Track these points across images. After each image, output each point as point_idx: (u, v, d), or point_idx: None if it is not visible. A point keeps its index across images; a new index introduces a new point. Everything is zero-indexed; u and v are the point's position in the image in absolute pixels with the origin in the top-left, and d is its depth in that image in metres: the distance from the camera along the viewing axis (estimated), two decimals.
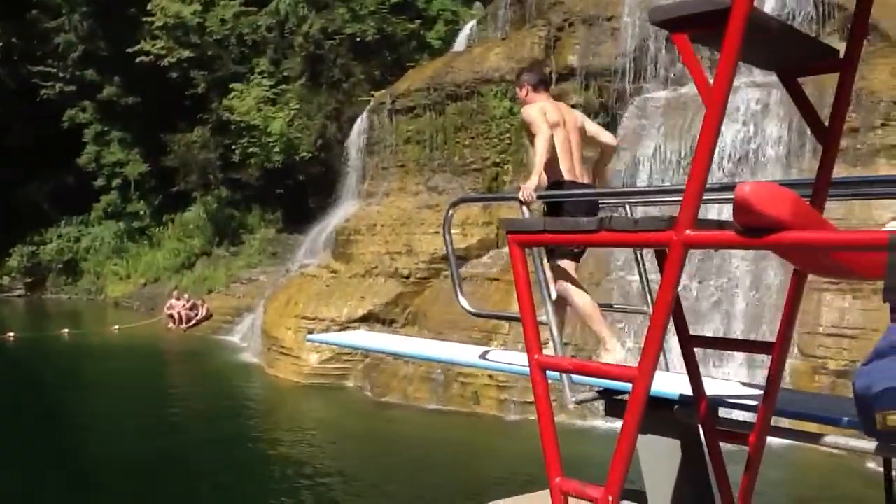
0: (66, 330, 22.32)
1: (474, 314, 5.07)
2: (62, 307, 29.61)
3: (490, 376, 13.01)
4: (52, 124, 31.82)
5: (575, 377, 3.34)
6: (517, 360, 4.18)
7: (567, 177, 4.85)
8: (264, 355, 17.44)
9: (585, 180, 4.96)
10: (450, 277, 5.57)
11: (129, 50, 28.80)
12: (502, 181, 16.34)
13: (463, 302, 4.67)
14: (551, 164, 4.79)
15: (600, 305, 5.02)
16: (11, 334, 21.27)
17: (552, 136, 4.74)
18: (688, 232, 1.99)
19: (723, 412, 3.17)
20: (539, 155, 4.71)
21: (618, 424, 2.23)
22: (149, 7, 28.17)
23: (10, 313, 28.39)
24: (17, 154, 31.43)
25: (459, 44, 21.02)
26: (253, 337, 19.32)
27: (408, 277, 15.86)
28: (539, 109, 4.82)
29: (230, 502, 9.05)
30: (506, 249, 15.27)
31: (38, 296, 31.97)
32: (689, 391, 2.80)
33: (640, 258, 4.44)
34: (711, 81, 1.94)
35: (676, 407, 3.12)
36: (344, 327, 15.07)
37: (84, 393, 16.12)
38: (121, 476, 9.93)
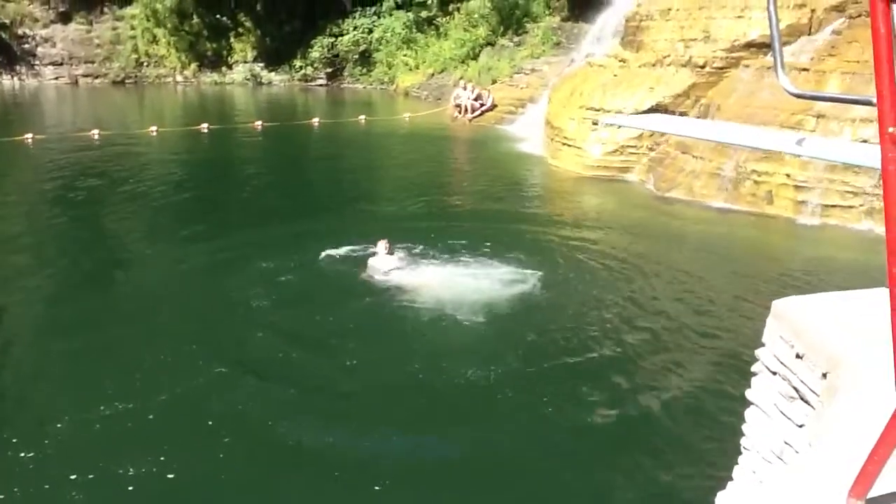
0: (363, 117, 23.88)
1: (797, 95, 4.50)
2: (357, 96, 31.64)
3: (787, 175, 12.18)
4: None
5: None
6: (850, 149, 3.69)
7: None
8: (547, 146, 17.54)
9: None
10: (769, 57, 4.99)
11: None
12: None
13: (784, 81, 4.16)
14: None
15: None
16: (316, 119, 23.23)
17: None
18: None
19: None
20: None
21: None
22: None
23: (314, 100, 30.95)
24: None
25: None
26: (535, 127, 19.44)
27: (703, 67, 14.77)
28: None
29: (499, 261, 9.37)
30: (819, 36, 13.53)
31: (336, 85, 34.38)
32: None
33: None
34: None
35: None
36: None
37: (381, 171, 17.51)
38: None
